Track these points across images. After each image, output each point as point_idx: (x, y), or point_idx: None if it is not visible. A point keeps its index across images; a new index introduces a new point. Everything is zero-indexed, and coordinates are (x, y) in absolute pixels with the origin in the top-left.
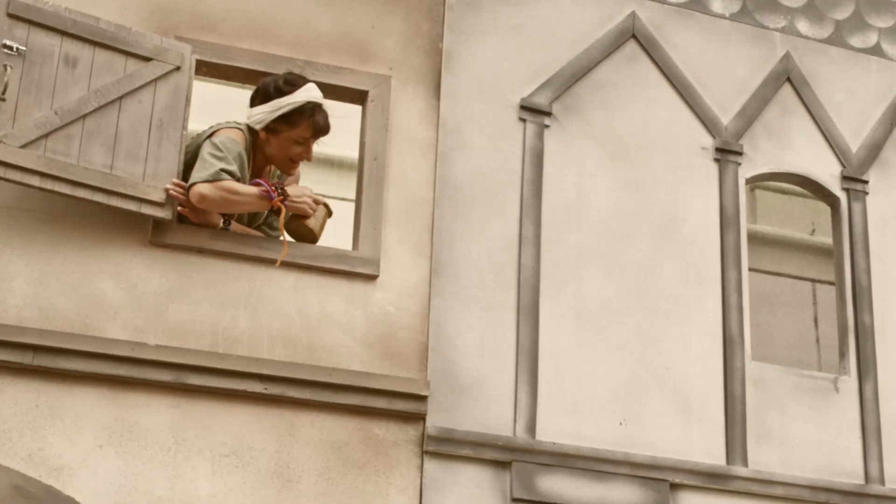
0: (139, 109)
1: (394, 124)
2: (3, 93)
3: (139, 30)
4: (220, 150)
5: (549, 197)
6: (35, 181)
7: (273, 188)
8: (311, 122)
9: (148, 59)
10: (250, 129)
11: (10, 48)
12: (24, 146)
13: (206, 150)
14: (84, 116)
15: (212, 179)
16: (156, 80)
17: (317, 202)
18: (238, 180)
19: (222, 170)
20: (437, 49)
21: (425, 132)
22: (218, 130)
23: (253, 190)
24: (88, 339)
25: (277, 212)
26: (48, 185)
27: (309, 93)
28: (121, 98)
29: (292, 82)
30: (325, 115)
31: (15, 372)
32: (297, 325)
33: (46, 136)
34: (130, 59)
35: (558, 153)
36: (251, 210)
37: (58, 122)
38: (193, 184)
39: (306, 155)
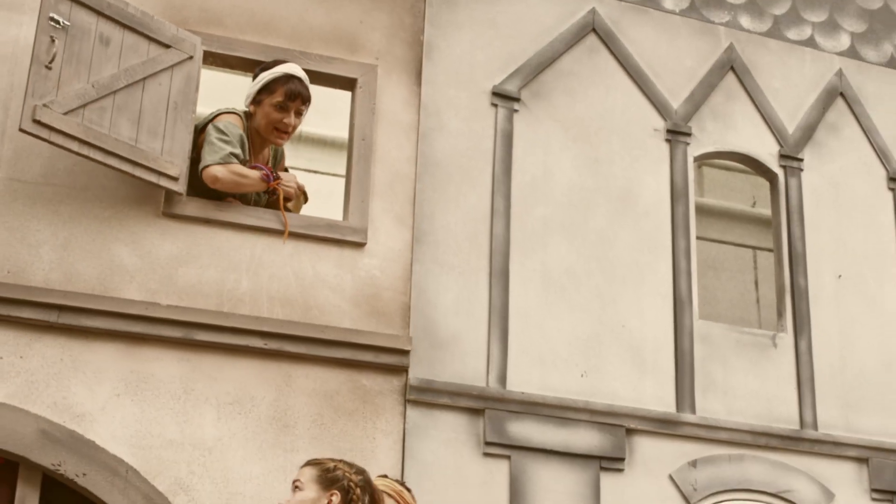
0: (159, 91)
1: (379, 108)
2: (51, 62)
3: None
4: (226, 134)
5: (517, 174)
6: (74, 146)
7: (271, 172)
8: (285, 87)
9: (167, 47)
10: (247, 116)
11: (57, 22)
12: (65, 113)
13: (213, 134)
14: (115, 92)
15: (223, 162)
16: (173, 66)
17: (299, 188)
18: (242, 161)
19: (231, 153)
20: (418, 41)
21: (408, 115)
22: (219, 115)
23: (255, 173)
24: (107, 300)
25: (272, 193)
26: (84, 150)
27: (287, 67)
28: (144, 79)
29: (276, 62)
30: (301, 85)
31: (42, 329)
32: (293, 287)
33: (84, 106)
34: (153, 44)
35: (526, 135)
36: (252, 191)
37: (94, 95)
38: (207, 166)
39: (288, 121)
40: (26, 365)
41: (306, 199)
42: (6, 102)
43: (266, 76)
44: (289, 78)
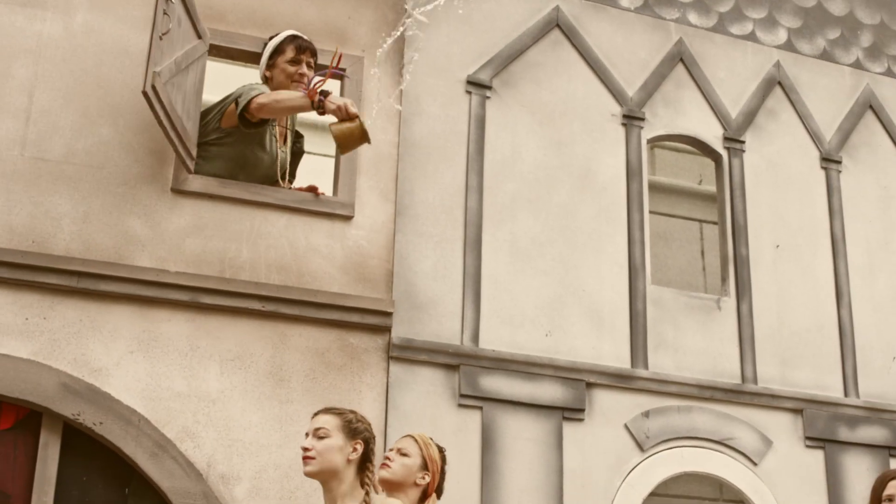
0: (192, 77)
1: (366, 95)
2: (164, 34)
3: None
4: (256, 85)
5: (489, 153)
6: (161, 114)
7: (314, 88)
8: (293, 44)
9: (200, 38)
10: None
11: None
12: (164, 83)
13: (246, 86)
14: (179, 72)
15: (260, 94)
16: (199, 56)
17: (349, 112)
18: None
19: (263, 93)
20: (401, 36)
21: (390, 102)
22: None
23: (297, 93)
24: (122, 267)
25: (317, 106)
26: (164, 120)
27: (289, 31)
28: (189, 65)
29: (276, 34)
30: (306, 41)
31: (63, 293)
32: (288, 256)
33: (168, 80)
34: (195, 32)
35: (497, 119)
36: (297, 109)
37: (174, 70)
38: (249, 100)
39: (303, 71)
40: (49, 325)
41: (364, 135)
42: (30, 90)
43: (274, 41)
44: (294, 37)
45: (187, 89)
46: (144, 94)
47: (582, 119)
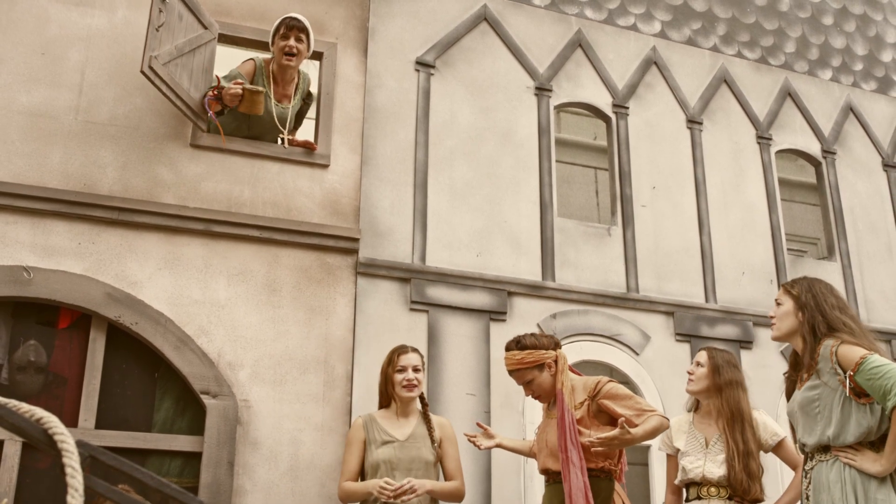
0: (200, 58)
1: (339, 73)
2: (159, 27)
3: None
4: (227, 75)
5: (433, 117)
6: (164, 88)
7: (212, 90)
8: (283, 23)
9: (206, 28)
10: (267, 62)
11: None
12: (164, 65)
13: (227, 75)
14: (183, 55)
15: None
16: (207, 42)
17: (245, 89)
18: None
19: (213, 87)
20: (365, 27)
21: (358, 77)
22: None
23: (238, 88)
24: (152, 204)
25: (216, 100)
26: (170, 94)
27: (286, 15)
28: (195, 49)
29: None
30: (295, 20)
31: (108, 223)
32: (279, 195)
33: (169, 62)
34: (200, 24)
35: (439, 90)
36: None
37: (175, 54)
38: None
39: (291, 44)
40: (97, 248)
41: (259, 93)
42: (82, 69)
43: (275, 24)
44: (286, 19)
45: (194, 68)
46: (143, 72)
47: (504, 90)
